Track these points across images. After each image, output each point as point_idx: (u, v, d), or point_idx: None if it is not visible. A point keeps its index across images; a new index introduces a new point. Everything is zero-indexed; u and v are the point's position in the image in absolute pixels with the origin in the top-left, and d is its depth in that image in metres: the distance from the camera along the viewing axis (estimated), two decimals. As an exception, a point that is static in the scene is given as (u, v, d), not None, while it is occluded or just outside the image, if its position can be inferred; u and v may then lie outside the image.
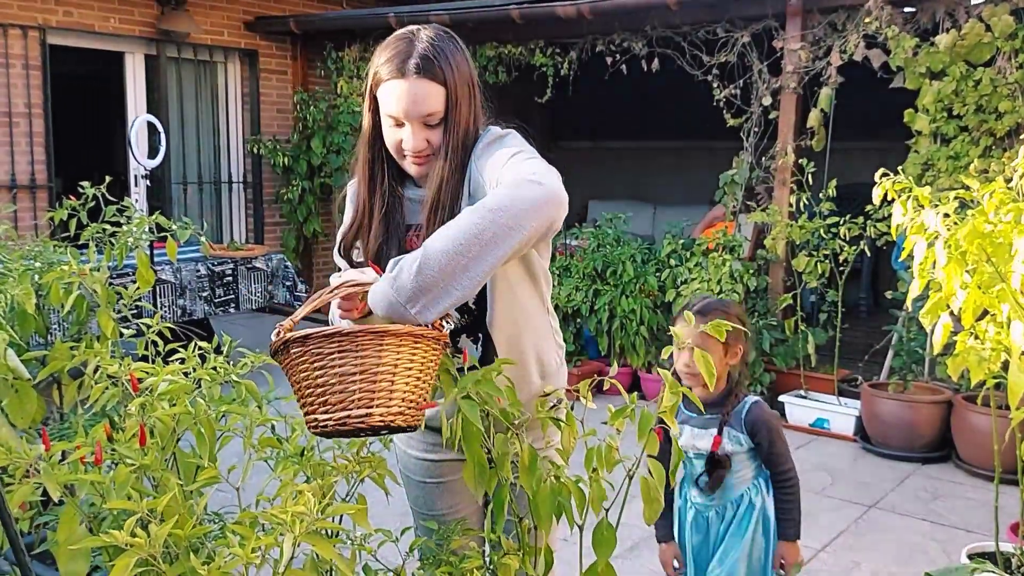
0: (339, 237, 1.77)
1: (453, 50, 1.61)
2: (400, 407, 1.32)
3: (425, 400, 1.38)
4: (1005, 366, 2.15)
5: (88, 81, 8.59)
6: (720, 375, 2.24)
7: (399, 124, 1.60)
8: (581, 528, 1.49)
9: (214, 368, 1.67)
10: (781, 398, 5.01)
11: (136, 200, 5.89)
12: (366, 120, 1.67)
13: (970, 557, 2.79)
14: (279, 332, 1.37)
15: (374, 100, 1.64)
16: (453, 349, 1.75)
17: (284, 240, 7.81)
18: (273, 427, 1.78)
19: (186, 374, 1.53)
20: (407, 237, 1.70)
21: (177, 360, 1.74)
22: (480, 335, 1.76)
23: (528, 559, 1.48)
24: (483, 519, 1.93)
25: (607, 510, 1.45)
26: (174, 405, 1.43)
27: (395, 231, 1.70)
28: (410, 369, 1.32)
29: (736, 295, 4.95)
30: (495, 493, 1.42)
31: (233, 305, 5.28)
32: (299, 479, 1.48)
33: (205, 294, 5.13)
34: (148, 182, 4.74)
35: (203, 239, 2.85)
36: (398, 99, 1.57)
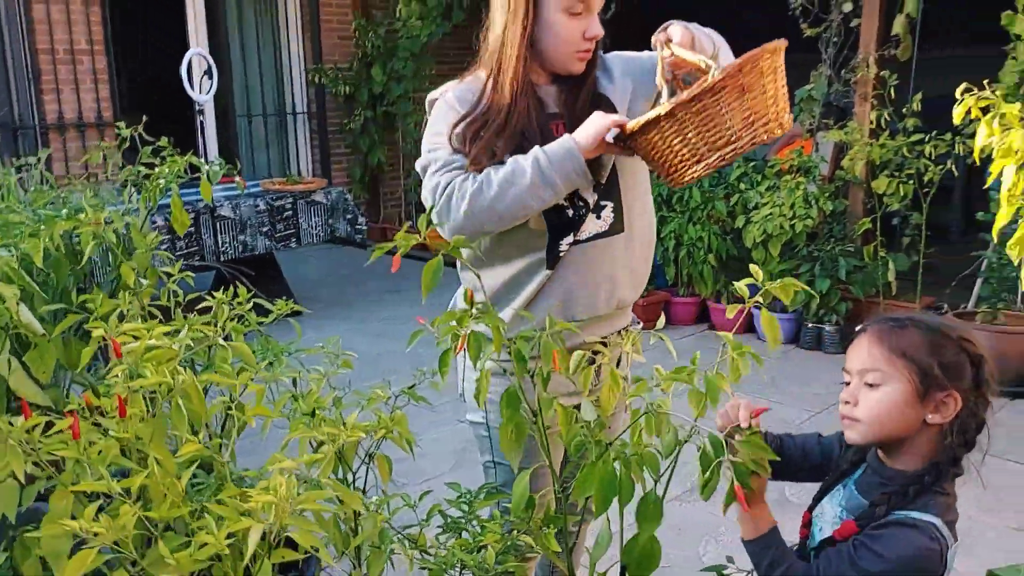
0: (454, 128, 1.70)
1: None
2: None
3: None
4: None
5: (150, 13, 8.57)
6: (899, 430, 1.26)
7: (576, 14, 1.68)
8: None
9: (220, 324, 1.59)
10: (858, 328, 4.74)
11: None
12: (518, 21, 1.68)
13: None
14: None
15: (533, 4, 1.67)
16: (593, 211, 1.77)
17: (350, 171, 7.74)
18: (295, 381, 1.71)
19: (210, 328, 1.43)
20: (549, 125, 1.74)
21: (198, 310, 1.68)
22: (606, 203, 1.77)
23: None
24: None
25: (656, 480, 1.31)
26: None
27: (539, 121, 1.73)
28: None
29: (811, 220, 4.65)
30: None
31: (294, 239, 5.24)
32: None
33: (265, 229, 5.10)
34: (201, 116, 4.69)
35: (237, 177, 2.79)
36: None
